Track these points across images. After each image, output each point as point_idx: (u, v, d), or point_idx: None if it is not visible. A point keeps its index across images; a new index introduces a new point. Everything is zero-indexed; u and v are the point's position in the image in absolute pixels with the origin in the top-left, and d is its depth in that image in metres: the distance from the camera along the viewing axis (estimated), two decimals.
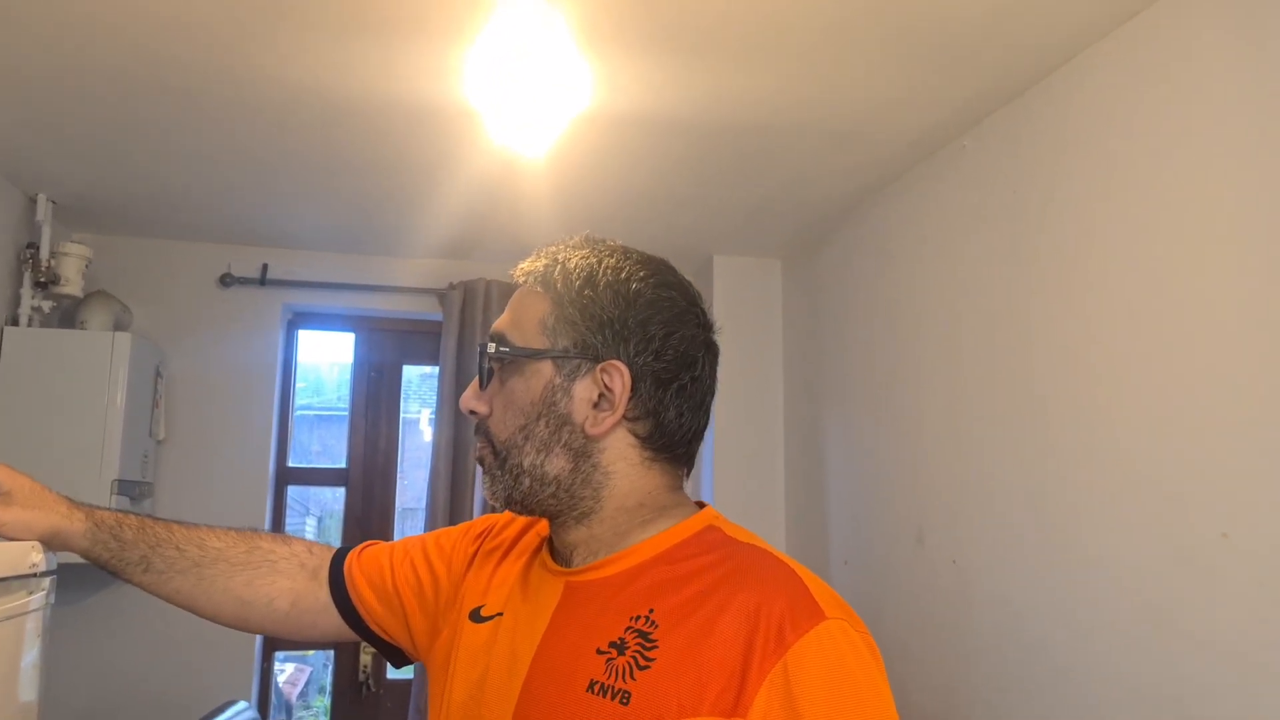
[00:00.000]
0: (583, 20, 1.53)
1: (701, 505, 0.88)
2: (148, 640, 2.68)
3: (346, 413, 3.21)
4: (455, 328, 2.98)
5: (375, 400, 3.17)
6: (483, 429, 0.89)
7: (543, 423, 0.84)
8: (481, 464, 0.90)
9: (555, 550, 0.89)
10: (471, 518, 2.88)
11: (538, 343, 0.85)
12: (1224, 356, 1.36)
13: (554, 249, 0.90)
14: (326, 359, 5.44)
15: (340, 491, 3.16)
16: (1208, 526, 1.35)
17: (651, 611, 0.77)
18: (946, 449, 2.08)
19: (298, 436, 3.18)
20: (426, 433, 5.28)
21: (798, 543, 2.85)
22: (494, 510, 1.00)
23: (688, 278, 0.91)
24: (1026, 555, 1.78)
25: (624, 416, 0.83)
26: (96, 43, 1.69)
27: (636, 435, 0.84)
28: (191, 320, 2.87)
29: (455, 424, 2.95)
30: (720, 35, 1.62)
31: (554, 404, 0.83)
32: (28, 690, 1.11)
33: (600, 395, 0.83)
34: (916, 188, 2.25)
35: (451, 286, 3.01)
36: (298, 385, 3.21)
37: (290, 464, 3.09)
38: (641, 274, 0.86)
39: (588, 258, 0.87)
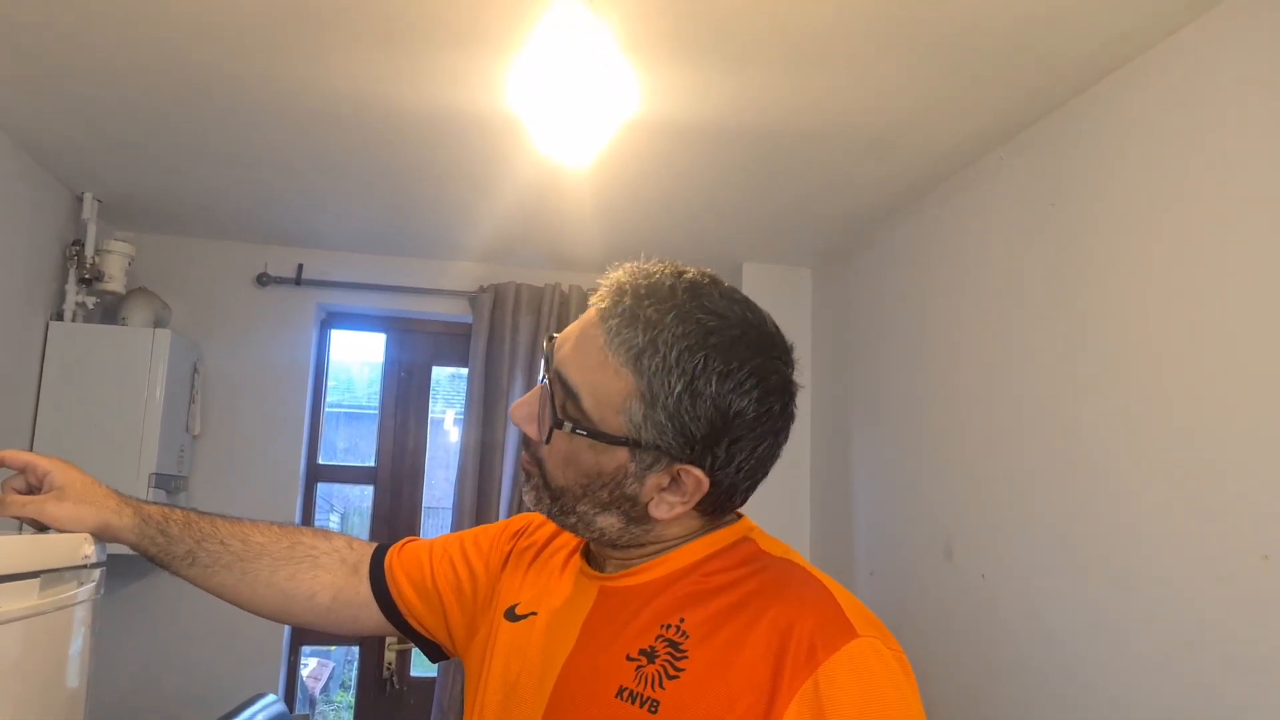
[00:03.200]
0: (627, 29, 1.55)
1: (739, 516, 0.89)
2: (177, 632, 2.73)
3: (375, 411, 3.25)
4: (485, 330, 3.01)
5: (404, 400, 3.20)
6: (534, 452, 0.84)
7: (606, 491, 0.80)
8: (528, 476, 0.86)
9: (590, 554, 0.90)
10: (498, 518, 2.90)
11: (614, 426, 0.77)
12: (1268, 376, 1.34)
13: (647, 308, 0.76)
14: (356, 357, 5.49)
15: (366, 489, 3.20)
16: (1248, 548, 1.34)
17: (682, 621, 0.77)
18: (977, 462, 2.07)
19: (325, 434, 3.21)
20: (452, 433, 5.32)
21: (823, 552, 2.84)
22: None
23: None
24: (1058, 572, 1.76)
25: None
26: (143, 49, 1.73)
27: (696, 508, 0.82)
28: (228, 318, 2.92)
29: (483, 425, 2.97)
30: (763, 42, 1.63)
31: (621, 484, 0.79)
32: (76, 678, 1.14)
33: (671, 481, 0.79)
34: (952, 199, 2.25)
35: (482, 290, 3.04)
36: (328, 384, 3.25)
37: (320, 461, 3.12)
38: (747, 385, 0.76)
39: (693, 349, 0.75)
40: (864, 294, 2.71)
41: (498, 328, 3.02)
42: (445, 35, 1.63)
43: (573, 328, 0.82)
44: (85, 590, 1.14)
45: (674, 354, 0.75)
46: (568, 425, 0.78)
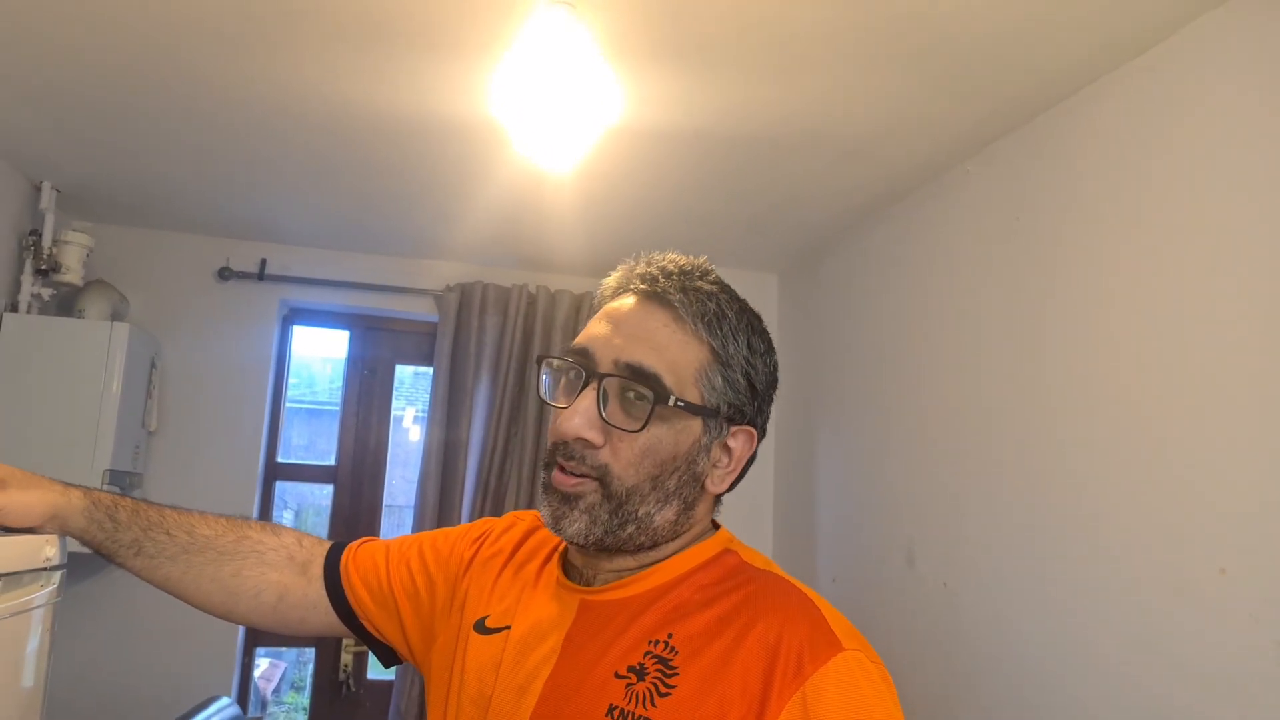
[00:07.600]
0: (610, 34, 1.54)
1: (716, 526, 0.89)
2: (128, 632, 2.66)
3: (335, 408, 3.20)
4: (451, 330, 2.98)
5: (367, 398, 3.16)
6: (591, 462, 0.80)
7: (675, 477, 0.81)
8: (575, 499, 0.81)
9: (572, 566, 0.88)
10: (460, 518, 2.88)
11: (693, 395, 0.80)
12: (1225, 391, 1.38)
13: (698, 281, 0.83)
14: (317, 352, 5.40)
15: (326, 488, 3.15)
16: (1206, 561, 1.38)
17: (670, 636, 0.77)
18: (939, 470, 2.10)
19: (284, 430, 3.16)
20: (413, 431, 5.25)
21: (785, 556, 2.86)
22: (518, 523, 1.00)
23: None
24: (1018, 580, 1.80)
25: None
26: (109, 37, 1.68)
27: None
28: (188, 312, 2.85)
29: (446, 425, 2.95)
30: (745, 50, 1.63)
31: (693, 462, 0.82)
32: (34, 682, 1.10)
33: (722, 450, 0.84)
34: (918, 209, 2.28)
35: (449, 289, 3.01)
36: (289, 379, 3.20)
37: (279, 459, 3.07)
38: (767, 338, 0.86)
39: (741, 311, 0.84)
40: (829, 302, 2.74)
41: (464, 327, 2.99)
42: (426, 39, 1.61)
43: (602, 326, 0.83)
44: (45, 594, 1.10)
45: (733, 313, 0.83)
46: (673, 400, 0.79)
